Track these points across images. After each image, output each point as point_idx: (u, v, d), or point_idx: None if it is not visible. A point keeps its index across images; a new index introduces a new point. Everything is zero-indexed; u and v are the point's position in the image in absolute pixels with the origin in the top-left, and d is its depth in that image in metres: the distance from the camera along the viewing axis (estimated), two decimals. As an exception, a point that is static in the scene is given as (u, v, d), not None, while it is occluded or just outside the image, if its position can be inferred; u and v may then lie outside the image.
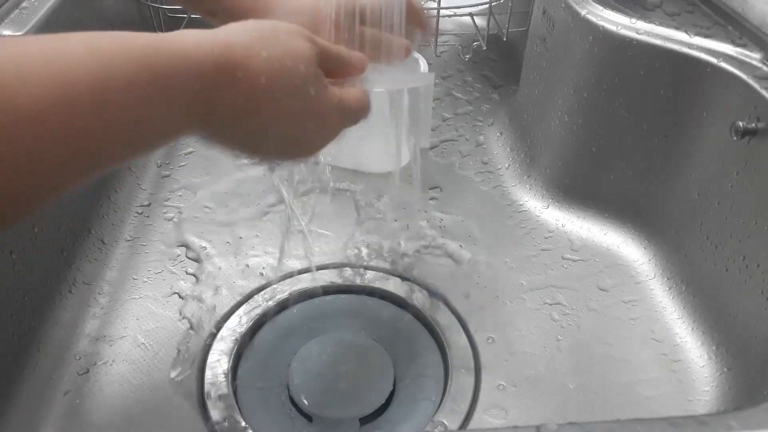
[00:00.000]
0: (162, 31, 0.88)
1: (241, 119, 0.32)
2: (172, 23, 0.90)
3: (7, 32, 0.55)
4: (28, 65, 0.24)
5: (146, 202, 0.69)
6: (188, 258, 0.63)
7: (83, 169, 0.27)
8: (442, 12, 0.88)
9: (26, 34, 0.55)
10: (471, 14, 0.95)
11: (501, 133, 0.79)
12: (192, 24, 0.90)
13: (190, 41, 0.29)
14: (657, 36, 0.57)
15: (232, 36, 0.31)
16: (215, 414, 0.49)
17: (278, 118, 0.33)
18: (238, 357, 0.54)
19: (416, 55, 0.68)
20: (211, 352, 0.54)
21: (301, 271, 0.61)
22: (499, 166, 0.75)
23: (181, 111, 0.29)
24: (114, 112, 0.26)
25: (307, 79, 0.33)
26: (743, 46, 0.54)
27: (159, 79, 0.27)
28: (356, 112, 0.37)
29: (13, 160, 0.23)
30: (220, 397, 0.50)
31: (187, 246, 0.64)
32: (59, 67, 0.24)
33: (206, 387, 0.51)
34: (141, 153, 0.29)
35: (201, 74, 0.29)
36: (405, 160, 0.71)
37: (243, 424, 0.49)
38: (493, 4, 0.89)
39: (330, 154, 0.39)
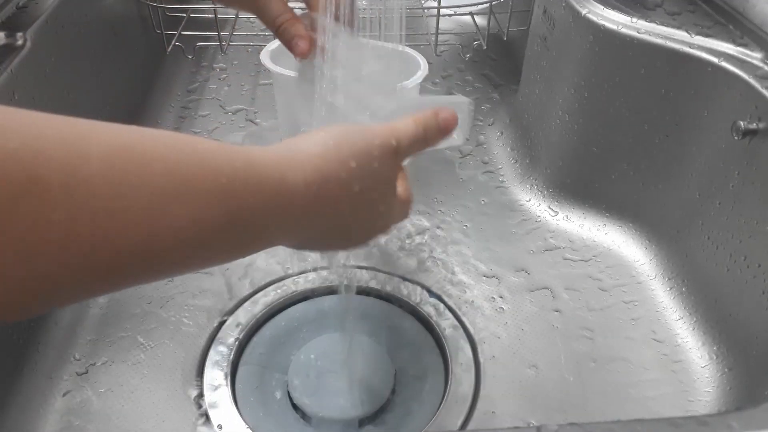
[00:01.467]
0: (161, 30, 0.88)
1: (313, 240, 0.32)
2: (171, 23, 0.90)
3: (6, 32, 0.55)
4: (81, 175, 0.20)
5: (146, 202, 0.69)
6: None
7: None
8: (443, 11, 0.88)
9: (26, 34, 0.55)
10: (471, 13, 0.95)
11: (501, 133, 0.79)
12: (191, 23, 0.91)
13: (282, 171, 0.27)
14: (658, 35, 0.57)
15: (330, 168, 0.29)
16: (215, 414, 0.49)
17: (347, 234, 0.33)
18: (237, 357, 0.54)
19: (415, 54, 0.68)
20: (210, 352, 0.54)
21: (298, 273, 0.61)
22: (500, 166, 0.75)
23: (252, 241, 0.28)
24: (170, 241, 0.23)
25: (386, 201, 0.34)
26: (744, 45, 0.54)
27: (237, 214, 0.25)
28: (403, 215, 0.37)
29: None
30: (220, 397, 0.50)
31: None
32: (122, 182, 0.21)
33: (206, 387, 0.51)
34: (194, 269, 0.27)
35: (287, 214, 0.28)
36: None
37: (243, 424, 0.49)
38: (493, 3, 0.89)
39: None
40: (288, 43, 0.46)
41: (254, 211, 0.26)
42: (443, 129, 0.35)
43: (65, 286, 0.21)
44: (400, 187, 0.35)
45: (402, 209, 0.36)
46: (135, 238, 0.21)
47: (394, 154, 0.33)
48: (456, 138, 0.38)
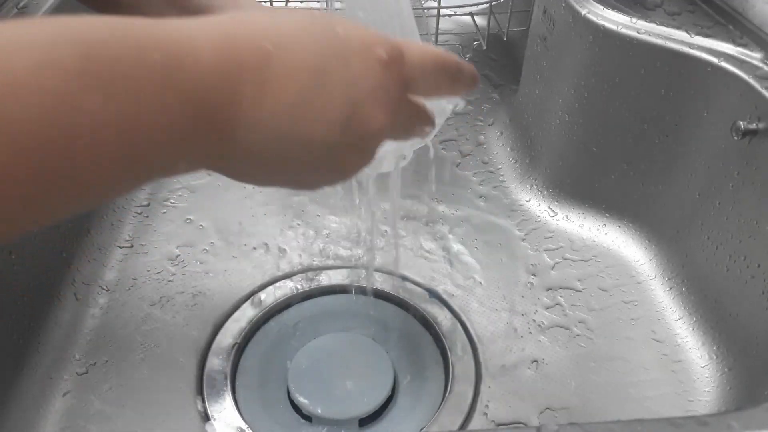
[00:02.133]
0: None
1: (252, 89, 0.23)
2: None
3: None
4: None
5: (145, 203, 0.69)
6: (190, 258, 0.63)
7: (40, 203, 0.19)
8: (442, 11, 0.88)
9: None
10: (471, 14, 0.95)
11: (501, 133, 0.79)
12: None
13: (184, 34, 0.22)
14: (658, 35, 0.57)
15: (242, 27, 0.23)
16: (215, 414, 0.49)
17: (305, 68, 0.24)
18: (238, 357, 0.54)
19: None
20: (210, 352, 0.54)
21: (300, 272, 0.61)
22: (500, 166, 0.75)
23: (152, 140, 0.21)
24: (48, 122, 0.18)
25: (324, 16, 0.25)
26: (744, 45, 0.54)
27: (119, 77, 0.20)
28: (429, 60, 0.28)
29: None
30: (220, 397, 0.50)
31: (192, 244, 0.64)
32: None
33: (205, 387, 0.51)
34: (126, 183, 0.22)
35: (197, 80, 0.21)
36: (409, 158, 0.71)
37: (242, 424, 0.49)
38: (493, 3, 0.89)
39: None
40: None
41: (139, 74, 0.20)
42: (466, 70, 0.30)
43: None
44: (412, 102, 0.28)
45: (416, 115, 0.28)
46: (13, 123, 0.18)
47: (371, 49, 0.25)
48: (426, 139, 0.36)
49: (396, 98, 0.27)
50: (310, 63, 0.23)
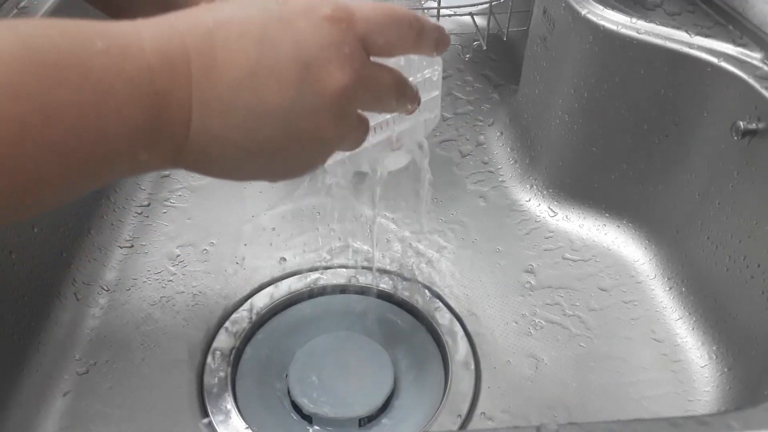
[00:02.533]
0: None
1: (200, 71, 0.22)
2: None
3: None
4: None
5: (146, 203, 0.69)
6: (190, 258, 0.63)
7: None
8: (442, 12, 0.88)
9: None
10: (471, 14, 0.95)
11: (501, 133, 0.79)
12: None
13: (122, 26, 0.22)
14: (657, 35, 0.57)
15: (185, 16, 0.23)
16: (215, 414, 0.49)
17: (249, 39, 0.23)
18: (238, 357, 0.54)
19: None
20: (210, 351, 0.54)
21: (300, 272, 0.61)
22: (500, 166, 0.75)
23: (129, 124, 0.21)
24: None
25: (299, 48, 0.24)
26: (744, 45, 0.54)
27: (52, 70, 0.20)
28: (380, 12, 0.26)
29: None
30: (220, 397, 0.50)
31: (192, 244, 0.64)
32: None
33: (205, 387, 0.51)
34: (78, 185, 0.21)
35: (136, 69, 0.21)
36: (407, 158, 0.71)
37: (242, 424, 0.49)
38: (493, 3, 0.89)
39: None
40: None
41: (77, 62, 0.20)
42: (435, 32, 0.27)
43: None
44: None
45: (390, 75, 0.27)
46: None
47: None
48: (403, 159, 0.35)
49: (352, 55, 0.25)
50: (253, 31, 0.23)
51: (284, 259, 0.62)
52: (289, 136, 0.24)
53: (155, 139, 0.22)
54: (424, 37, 0.28)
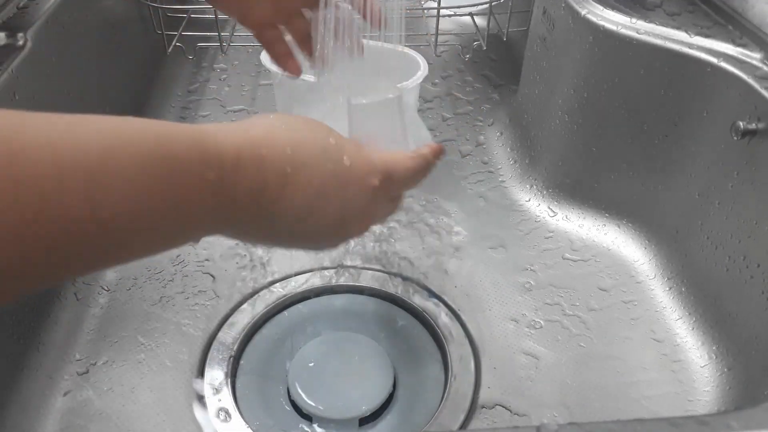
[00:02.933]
0: (161, 30, 0.88)
1: (270, 203, 0.29)
2: (172, 23, 0.90)
3: (7, 32, 0.55)
4: (19, 142, 0.20)
5: (146, 202, 0.69)
6: (190, 257, 0.63)
7: (68, 265, 0.23)
8: (442, 12, 0.88)
9: (26, 33, 0.55)
10: (471, 14, 0.95)
11: (501, 133, 0.79)
12: (191, 24, 0.91)
13: (207, 127, 0.27)
14: (657, 36, 0.57)
15: (250, 124, 0.30)
16: (215, 414, 0.49)
17: (310, 190, 0.30)
18: (238, 357, 0.54)
19: (415, 54, 0.68)
20: (211, 351, 0.54)
21: (300, 272, 0.61)
22: (499, 166, 0.75)
23: (195, 207, 0.26)
24: (113, 204, 0.22)
25: (337, 145, 0.31)
26: (743, 45, 0.54)
27: (171, 165, 0.24)
28: (410, 176, 0.35)
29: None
30: (220, 397, 0.50)
31: (192, 245, 0.64)
32: (58, 145, 0.21)
33: (206, 387, 0.51)
34: (142, 251, 0.26)
35: (220, 158, 0.26)
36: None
37: (243, 423, 0.49)
38: (493, 3, 0.89)
39: None
40: (277, 60, 0.48)
41: (185, 166, 0.25)
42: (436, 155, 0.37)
43: (17, 260, 0.21)
44: (390, 156, 0.34)
45: (392, 176, 0.34)
46: (77, 203, 0.21)
47: (358, 149, 0.33)
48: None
49: (380, 212, 0.36)
50: (316, 185, 0.30)
51: (285, 260, 0.62)
52: (314, 246, 0.35)
53: (217, 226, 0.29)
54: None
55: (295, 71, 0.48)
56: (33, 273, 0.22)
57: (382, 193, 0.34)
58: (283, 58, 0.47)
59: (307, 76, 0.47)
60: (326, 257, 0.62)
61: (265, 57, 0.58)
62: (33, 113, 0.21)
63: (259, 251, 0.63)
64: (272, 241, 0.33)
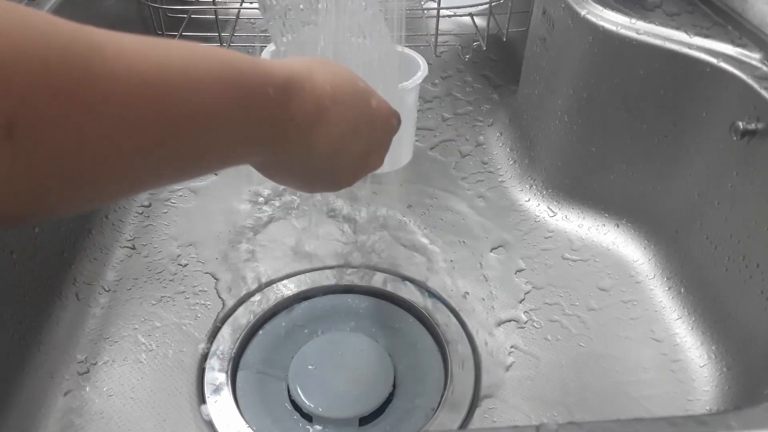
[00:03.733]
0: (162, 31, 0.88)
1: (310, 130, 0.32)
2: (172, 23, 0.90)
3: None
4: (125, 44, 0.23)
5: (146, 203, 0.69)
6: (191, 257, 0.63)
7: (149, 173, 0.26)
8: (442, 12, 0.88)
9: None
10: (471, 14, 0.95)
11: (501, 133, 0.79)
12: (192, 24, 0.91)
13: (259, 60, 0.31)
14: (657, 36, 0.57)
15: (294, 60, 0.33)
16: (215, 414, 0.49)
17: (344, 125, 0.34)
18: (238, 357, 0.54)
19: (415, 54, 0.68)
20: (211, 351, 0.54)
21: (300, 272, 0.61)
22: (499, 166, 0.75)
23: (256, 120, 0.29)
24: (199, 105, 0.25)
25: (366, 89, 0.36)
26: (743, 46, 0.54)
27: (241, 81, 0.28)
28: (398, 120, 0.41)
29: (95, 140, 0.22)
30: (220, 397, 0.50)
31: (193, 245, 0.64)
32: (154, 53, 0.24)
33: (206, 387, 0.51)
34: (206, 167, 0.29)
35: (274, 85, 0.30)
36: (406, 159, 0.72)
37: (243, 423, 0.49)
38: (493, 4, 0.89)
39: None
40: None
41: (251, 81, 0.28)
42: None
43: (125, 155, 0.23)
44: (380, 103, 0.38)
45: (395, 118, 0.39)
46: (176, 110, 0.24)
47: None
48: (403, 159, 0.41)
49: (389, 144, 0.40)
50: (350, 121, 0.34)
51: (285, 260, 0.62)
52: (341, 176, 0.38)
53: (260, 148, 0.31)
54: None
55: None
56: (131, 175, 0.24)
57: (393, 131, 0.40)
58: None
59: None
60: (328, 257, 0.63)
61: (265, 56, 0.58)
62: (112, 32, 0.24)
63: (259, 252, 0.64)
64: (303, 176, 0.36)
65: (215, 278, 0.61)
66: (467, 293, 0.60)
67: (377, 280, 0.60)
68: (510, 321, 0.58)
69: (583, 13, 0.61)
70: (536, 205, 0.70)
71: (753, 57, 0.53)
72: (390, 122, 0.39)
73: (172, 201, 0.70)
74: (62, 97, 0.20)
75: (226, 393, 0.51)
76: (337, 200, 0.69)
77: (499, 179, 0.74)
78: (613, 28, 0.59)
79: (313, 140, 0.33)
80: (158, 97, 0.23)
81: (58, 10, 0.60)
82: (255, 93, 0.29)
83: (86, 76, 0.21)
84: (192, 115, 0.25)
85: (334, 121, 0.33)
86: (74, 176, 0.22)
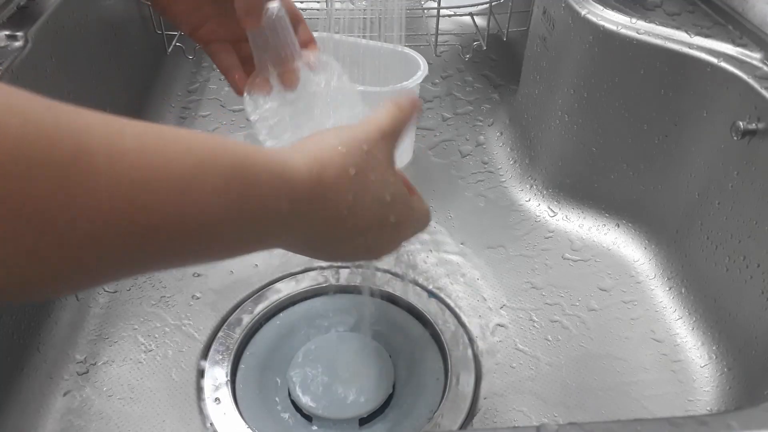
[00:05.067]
0: (161, 30, 0.88)
1: (324, 235, 0.32)
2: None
3: (7, 32, 0.55)
4: (119, 147, 0.22)
5: (146, 202, 0.69)
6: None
7: (144, 263, 0.24)
8: (442, 12, 0.88)
9: (26, 34, 0.55)
10: (471, 14, 0.95)
11: (501, 133, 0.79)
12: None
13: (285, 158, 0.29)
14: (657, 36, 0.57)
15: (325, 155, 0.31)
16: (214, 414, 0.49)
17: (359, 230, 0.33)
18: (238, 357, 0.54)
19: (415, 54, 0.68)
20: (211, 351, 0.54)
21: (300, 273, 0.61)
22: (500, 166, 0.75)
23: (266, 228, 0.28)
24: (197, 216, 0.24)
25: (389, 189, 0.34)
26: (743, 45, 0.54)
27: (250, 191, 0.26)
28: (424, 222, 0.39)
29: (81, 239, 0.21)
30: (220, 397, 0.50)
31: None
32: (154, 156, 0.22)
33: (205, 387, 0.51)
34: (212, 259, 0.28)
35: (294, 198, 0.28)
36: (407, 159, 0.71)
37: (243, 423, 0.49)
38: (493, 3, 0.89)
39: None
40: (224, 74, 0.45)
41: (263, 192, 0.27)
42: (413, 105, 0.37)
43: (107, 256, 0.22)
44: (416, 201, 0.37)
45: (415, 222, 0.38)
46: (166, 211, 0.23)
47: (381, 137, 0.34)
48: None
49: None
50: (372, 216, 0.33)
51: (285, 260, 0.62)
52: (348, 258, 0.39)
53: (283, 236, 0.30)
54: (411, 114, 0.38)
55: (239, 86, 0.44)
56: (119, 268, 0.23)
57: (388, 139, 0.36)
58: (230, 71, 0.44)
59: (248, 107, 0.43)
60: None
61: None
62: (129, 121, 0.23)
63: (259, 252, 0.63)
64: (337, 256, 0.36)
65: (215, 278, 0.61)
66: (467, 293, 0.60)
67: (377, 281, 0.60)
68: (510, 321, 0.57)
69: (583, 12, 0.61)
70: (536, 205, 0.70)
71: (753, 57, 0.53)
72: (404, 232, 0.38)
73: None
74: (36, 205, 0.19)
75: (226, 393, 0.51)
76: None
77: (500, 179, 0.74)
78: (613, 27, 0.59)
79: (323, 241, 0.32)
80: (145, 211, 0.22)
81: (57, 10, 0.60)
82: (269, 205, 0.27)
83: (60, 190, 0.19)
84: (188, 232, 0.24)
85: (348, 228, 0.32)
86: (54, 271, 0.21)
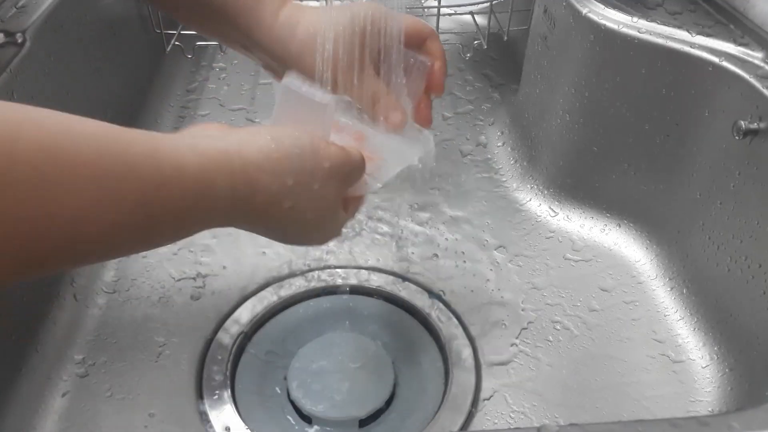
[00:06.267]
0: (160, 30, 0.88)
1: (255, 226, 0.34)
2: (170, 22, 0.90)
3: (5, 31, 0.55)
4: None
5: (146, 202, 0.69)
6: (189, 258, 0.63)
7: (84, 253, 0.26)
8: (443, 11, 0.88)
9: (25, 33, 0.54)
10: (472, 13, 0.95)
11: (502, 133, 0.79)
12: (192, 23, 0.90)
13: (195, 162, 0.29)
14: (659, 35, 0.57)
15: (262, 178, 0.31)
16: (214, 415, 0.49)
17: (291, 227, 0.35)
18: (237, 357, 0.54)
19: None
20: (210, 352, 0.54)
21: (300, 273, 0.61)
22: (500, 166, 0.75)
23: (192, 226, 0.30)
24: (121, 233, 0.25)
25: (323, 220, 0.35)
26: (745, 45, 0.54)
27: (167, 208, 0.27)
28: (356, 203, 0.40)
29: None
30: (219, 398, 0.50)
31: (192, 245, 0.64)
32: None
33: (205, 387, 0.51)
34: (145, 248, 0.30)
35: (215, 206, 0.30)
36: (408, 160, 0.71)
37: (242, 424, 0.48)
38: (494, 2, 0.89)
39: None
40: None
41: (177, 215, 0.28)
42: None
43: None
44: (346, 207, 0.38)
45: (346, 216, 0.38)
46: (59, 241, 0.23)
47: (341, 179, 0.34)
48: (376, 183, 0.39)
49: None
50: (304, 209, 0.34)
51: (284, 260, 0.62)
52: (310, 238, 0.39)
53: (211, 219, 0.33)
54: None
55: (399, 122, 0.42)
56: (46, 263, 0.24)
57: (346, 184, 0.37)
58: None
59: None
60: (331, 257, 0.62)
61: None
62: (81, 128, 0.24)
63: (258, 252, 0.63)
64: (272, 235, 0.37)
65: (214, 278, 0.60)
66: (467, 293, 0.60)
67: (377, 281, 0.60)
68: (510, 321, 0.57)
69: (584, 11, 0.61)
70: (537, 205, 0.69)
71: (755, 56, 0.53)
72: (342, 171, 0.35)
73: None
74: None
75: (226, 394, 0.50)
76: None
77: (500, 179, 0.73)
78: (614, 26, 0.59)
79: (258, 229, 0.34)
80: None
81: (56, 10, 0.60)
82: (168, 216, 0.28)
83: None
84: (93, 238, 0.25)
85: (280, 224, 0.34)
86: None
